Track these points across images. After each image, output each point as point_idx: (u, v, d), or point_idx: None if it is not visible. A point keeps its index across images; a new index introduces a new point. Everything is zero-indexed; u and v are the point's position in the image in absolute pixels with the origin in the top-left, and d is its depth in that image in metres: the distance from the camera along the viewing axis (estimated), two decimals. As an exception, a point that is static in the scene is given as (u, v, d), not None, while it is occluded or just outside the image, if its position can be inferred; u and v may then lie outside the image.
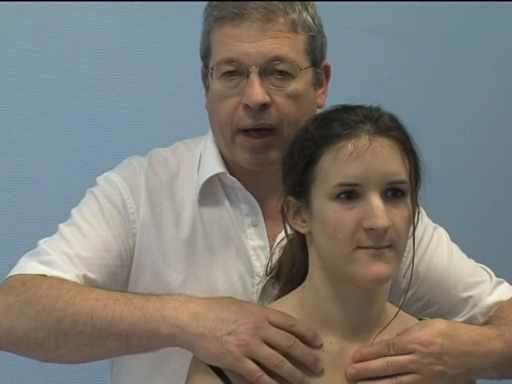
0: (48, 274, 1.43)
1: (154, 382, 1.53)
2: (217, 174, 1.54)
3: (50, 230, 1.54)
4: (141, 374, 1.54)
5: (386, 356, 1.32)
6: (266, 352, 1.30)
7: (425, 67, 2.66)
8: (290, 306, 1.36)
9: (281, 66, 1.46)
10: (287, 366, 1.31)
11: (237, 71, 1.47)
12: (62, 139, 2.22)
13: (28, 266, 1.45)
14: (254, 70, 1.45)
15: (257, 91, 1.44)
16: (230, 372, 1.31)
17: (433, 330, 1.34)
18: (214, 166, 1.54)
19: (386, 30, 2.61)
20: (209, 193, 1.55)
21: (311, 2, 1.53)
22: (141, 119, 2.30)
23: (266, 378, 1.30)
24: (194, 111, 1.73)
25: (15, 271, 1.45)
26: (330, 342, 1.33)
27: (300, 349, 1.31)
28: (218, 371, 1.32)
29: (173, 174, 1.56)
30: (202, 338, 1.32)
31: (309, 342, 1.33)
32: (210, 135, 1.58)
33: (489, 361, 1.38)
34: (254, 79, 1.45)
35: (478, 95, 2.72)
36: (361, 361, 1.32)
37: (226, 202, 1.55)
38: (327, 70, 1.57)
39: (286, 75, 1.47)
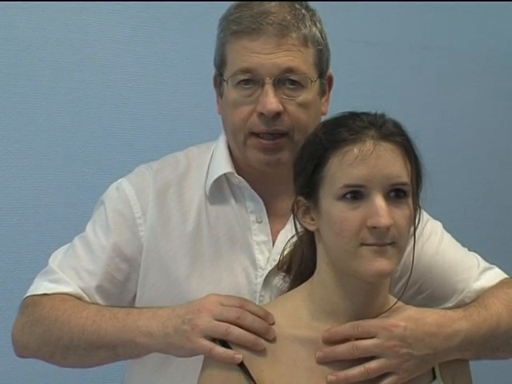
0: (57, 291, 1.55)
1: (166, 370, 1.59)
2: (225, 174, 1.59)
3: (72, 228, 1.67)
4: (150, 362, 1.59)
5: (351, 336, 1.34)
6: (212, 324, 1.35)
7: (420, 76, 2.71)
8: (299, 297, 1.40)
9: (293, 77, 1.51)
10: (236, 332, 1.34)
11: (252, 80, 1.51)
12: (84, 143, 2.30)
13: (40, 285, 1.58)
14: (268, 80, 1.50)
15: (271, 100, 1.50)
16: (246, 364, 1.34)
17: (398, 316, 1.36)
18: (222, 166, 1.60)
19: (382, 41, 2.65)
20: (216, 191, 1.60)
21: (318, 18, 1.59)
22: (156, 125, 2.36)
23: (219, 349, 1.34)
24: (206, 117, 1.80)
25: (30, 292, 1.59)
26: (337, 331, 1.37)
27: (249, 319, 1.35)
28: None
29: (182, 173, 1.62)
30: (168, 337, 1.40)
31: (261, 319, 1.36)
32: (221, 138, 1.64)
33: (455, 341, 1.39)
34: (269, 89, 1.50)
35: (472, 103, 2.77)
36: (328, 339, 1.35)
37: (232, 200, 1.60)
38: (330, 79, 1.63)
39: (297, 86, 1.52)
